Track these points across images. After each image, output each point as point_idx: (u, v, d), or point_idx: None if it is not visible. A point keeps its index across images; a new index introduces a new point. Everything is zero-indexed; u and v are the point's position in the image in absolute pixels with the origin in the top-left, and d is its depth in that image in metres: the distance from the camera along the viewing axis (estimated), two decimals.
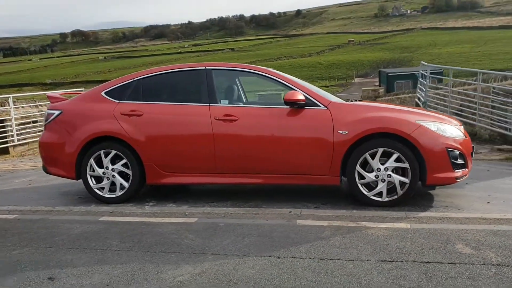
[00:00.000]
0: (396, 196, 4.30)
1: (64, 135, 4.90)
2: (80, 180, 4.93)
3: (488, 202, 4.38)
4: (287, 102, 4.39)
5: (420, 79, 13.27)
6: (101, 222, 4.27)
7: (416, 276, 2.90)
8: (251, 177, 4.60)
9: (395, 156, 4.23)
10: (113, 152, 4.76)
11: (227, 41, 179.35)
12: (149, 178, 4.76)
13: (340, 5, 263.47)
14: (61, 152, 4.91)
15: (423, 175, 4.23)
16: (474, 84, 9.99)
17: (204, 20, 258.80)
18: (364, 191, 4.34)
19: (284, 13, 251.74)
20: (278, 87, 4.82)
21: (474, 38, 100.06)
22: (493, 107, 9.58)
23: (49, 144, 5.01)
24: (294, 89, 4.52)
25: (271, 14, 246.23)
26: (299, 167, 4.47)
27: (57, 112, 4.99)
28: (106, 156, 4.78)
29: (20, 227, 4.23)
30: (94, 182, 4.86)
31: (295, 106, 4.43)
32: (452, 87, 11.09)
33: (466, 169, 4.38)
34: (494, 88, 9.70)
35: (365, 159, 4.30)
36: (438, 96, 11.68)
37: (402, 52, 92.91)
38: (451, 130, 4.36)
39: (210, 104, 4.64)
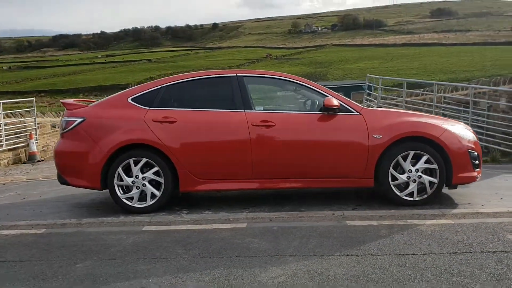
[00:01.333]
0: (425, 196, 4.63)
1: (88, 143, 4.67)
2: (80, 191, 4.70)
3: (502, 198, 4.86)
4: (327, 108, 4.58)
5: (367, 91, 14.12)
6: (147, 232, 4.14)
7: (494, 265, 3.18)
8: (289, 182, 4.70)
9: (425, 158, 4.57)
10: (144, 160, 4.63)
11: (143, 52, 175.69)
12: (182, 186, 4.68)
13: (256, 20, 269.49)
14: (85, 161, 4.67)
15: (449, 175, 4.60)
16: (427, 94, 10.90)
17: (118, 30, 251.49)
18: (397, 192, 4.62)
19: (201, 25, 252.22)
20: (288, 92, 5.01)
21: (382, 55, 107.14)
22: (444, 115, 10.47)
23: (70, 153, 4.75)
24: (327, 96, 4.71)
25: (188, 26, 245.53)
26: (336, 171, 4.66)
27: (79, 120, 4.74)
28: (135, 164, 4.63)
29: (59, 241, 3.98)
30: (122, 192, 4.68)
31: (331, 112, 4.63)
32: (398, 98, 11.98)
33: (480, 169, 4.83)
34: (445, 98, 10.63)
35: (397, 161, 4.59)
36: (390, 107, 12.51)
37: (317, 67, 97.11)
38: (468, 133, 4.80)
39: (246, 111, 4.69)
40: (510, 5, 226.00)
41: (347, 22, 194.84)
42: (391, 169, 4.59)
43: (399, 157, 4.58)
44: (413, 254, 3.43)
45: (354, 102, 4.89)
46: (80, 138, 4.72)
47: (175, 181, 4.68)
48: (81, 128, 4.72)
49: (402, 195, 4.62)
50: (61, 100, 5.24)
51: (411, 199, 4.63)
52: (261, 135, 4.61)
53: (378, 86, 12.73)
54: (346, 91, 25.19)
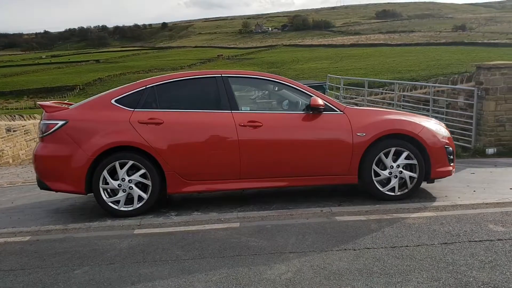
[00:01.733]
0: (406, 190, 4.83)
1: (70, 146, 4.54)
2: (55, 197, 4.58)
3: (474, 191, 5.13)
4: (313, 107, 4.68)
5: (327, 91, 14.45)
6: (140, 235, 4.08)
7: (484, 253, 3.38)
8: (276, 181, 4.76)
9: (405, 154, 4.76)
10: (130, 162, 4.55)
11: (90, 52, 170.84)
12: (170, 188, 4.64)
13: (206, 20, 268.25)
14: (67, 165, 4.54)
15: (428, 170, 4.82)
16: (387, 93, 11.31)
17: (63, 30, 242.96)
18: (379, 187, 4.79)
19: (150, 25, 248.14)
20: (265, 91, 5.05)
21: (331, 55, 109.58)
22: None
23: (51, 157, 4.59)
24: (311, 95, 4.82)
25: (136, 26, 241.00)
26: (321, 169, 4.77)
27: (61, 122, 4.60)
28: (121, 167, 4.55)
29: (49, 247, 3.85)
30: (107, 196, 4.58)
31: (316, 111, 4.73)
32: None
33: (454, 163, 5.09)
34: (404, 96, 11.06)
35: (379, 158, 4.76)
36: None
37: (270, 67, 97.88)
38: (442, 130, 5.04)
39: (232, 111, 4.71)
40: (449, 7, 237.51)
41: (297, 22, 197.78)
42: (373, 166, 4.75)
43: (381, 154, 4.75)
44: (407, 246, 3.58)
45: (337, 101, 5.02)
46: (62, 141, 4.57)
47: (162, 183, 4.63)
48: (63, 131, 4.58)
49: (385, 190, 4.80)
50: (38, 103, 5.05)
51: (393, 194, 4.81)
52: (249, 135, 4.65)
53: (340, 86, 13.07)
54: None
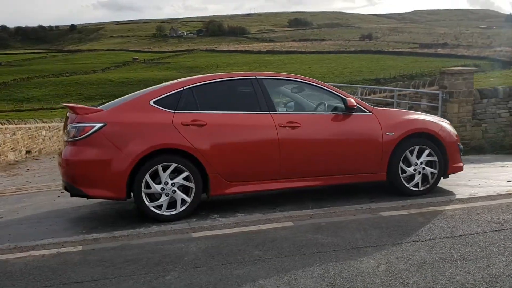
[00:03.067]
0: (428, 186, 5.18)
1: (110, 150, 4.33)
2: (70, 204, 4.59)
3: (479, 184, 5.62)
4: (350, 108, 4.87)
5: None
6: (201, 238, 4.00)
7: None
8: (312, 180, 4.89)
9: (427, 151, 5.11)
10: (173, 165, 4.43)
11: None
12: (213, 190, 4.58)
13: (117, 23, 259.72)
14: (107, 169, 4.32)
15: (445, 166, 5.21)
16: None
17: None
18: (405, 183, 5.09)
19: (57, 27, 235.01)
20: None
21: (249, 61, 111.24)
22: None
23: (88, 162, 4.34)
24: (342, 97, 5.01)
25: (41, 27, 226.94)
26: (354, 167, 4.98)
27: (98, 125, 4.36)
28: (164, 170, 4.42)
29: (114, 255, 3.66)
30: (148, 200, 4.42)
31: (350, 112, 4.93)
32: None
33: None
34: (363, 100, 11.67)
35: (405, 155, 5.06)
36: None
37: (189, 71, 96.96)
38: (452, 129, 5.48)
39: (271, 112, 4.76)
40: (356, 17, 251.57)
41: (212, 28, 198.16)
42: (400, 163, 5.05)
43: (407, 152, 5.06)
44: (465, 235, 3.88)
45: (365, 103, 5.26)
46: (101, 144, 4.34)
47: (205, 185, 4.57)
48: (102, 134, 4.35)
49: (410, 186, 5.11)
50: (65, 104, 4.72)
51: (417, 189, 5.13)
52: (288, 135, 4.73)
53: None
54: None
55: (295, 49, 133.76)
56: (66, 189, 4.57)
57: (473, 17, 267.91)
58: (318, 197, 5.21)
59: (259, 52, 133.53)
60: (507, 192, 5.13)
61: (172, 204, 4.50)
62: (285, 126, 4.73)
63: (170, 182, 4.44)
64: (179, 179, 4.46)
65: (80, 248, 3.86)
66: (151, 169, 4.38)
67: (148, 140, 4.38)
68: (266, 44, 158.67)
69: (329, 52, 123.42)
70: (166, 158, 4.43)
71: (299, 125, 4.78)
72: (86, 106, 4.61)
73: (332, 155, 4.89)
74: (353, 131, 4.95)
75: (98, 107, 4.68)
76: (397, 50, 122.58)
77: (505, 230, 3.95)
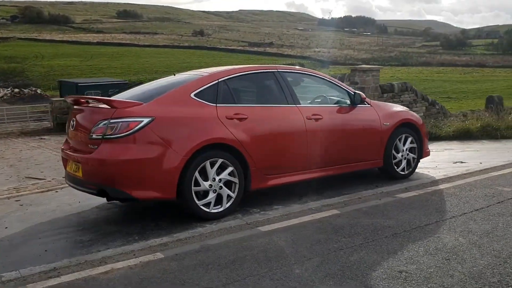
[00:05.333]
0: (411, 169, 5.87)
1: (159, 146, 3.98)
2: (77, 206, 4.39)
3: (436, 166, 6.55)
4: (363, 101, 5.26)
5: None
6: (273, 231, 3.98)
7: None
8: (330, 170, 5.14)
9: (410, 139, 5.79)
10: (220, 160, 4.27)
11: None
12: (254, 184, 4.53)
13: None
14: (157, 168, 3.97)
15: (421, 152, 5.98)
16: None
17: None
18: (396, 168, 5.70)
19: None
20: None
21: (79, 52, 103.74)
22: None
23: (136, 161, 3.91)
24: (349, 91, 5.38)
25: None
26: (361, 155, 5.39)
27: (146, 120, 3.95)
28: (212, 166, 4.23)
29: (204, 258, 3.45)
30: (197, 199, 4.19)
31: (355, 105, 5.32)
32: None
33: None
34: None
35: (395, 143, 5.66)
36: None
37: (8, 62, 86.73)
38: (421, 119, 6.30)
39: (297, 105, 4.89)
40: (185, 13, 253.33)
41: (30, 15, 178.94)
42: (392, 150, 5.63)
43: (397, 140, 5.66)
44: (483, 208, 4.57)
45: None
46: (149, 141, 3.95)
47: (247, 180, 4.50)
48: (150, 129, 3.96)
49: (399, 170, 5.73)
50: (98, 98, 4.09)
51: (403, 173, 5.78)
52: (313, 127, 4.92)
53: None
54: (104, 89, 24.14)
55: (128, 42, 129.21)
56: (99, 192, 4.03)
57: (291, 19, 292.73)
58: (326, 186, 5.47)
59: (88, 43, 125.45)
60: (467, 172, 6.10)
61: (218, 201, 4.33)
62: (311, 119, 4.91)
63: (217, 178, 4.27)
64: (224, 175, 4.32)
65: (161, 255, 3.50)
66: (200, 166, 4.16)
67: (198, 135, 4.14)
68: (94, 35, 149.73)
69: (164, 46, 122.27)
70: (214, 154, 4.24)
71: (321, 117, 5.00)
72: (121, 99, 4.12)
73: (345, 145, 5.23)
74: (360, 122, 5.36)
75: (124, 99, 4.22)
76: (229, 47, 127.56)
77: (503, 202, 4.77)
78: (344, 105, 5.32)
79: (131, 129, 3.92)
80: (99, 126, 4.00)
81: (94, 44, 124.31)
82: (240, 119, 4.44)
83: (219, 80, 4.54)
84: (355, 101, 5.30)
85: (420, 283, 2.99)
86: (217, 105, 4.39)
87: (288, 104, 4.86)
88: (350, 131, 5.27)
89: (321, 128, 5.00)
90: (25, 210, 5.04)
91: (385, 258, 3.40)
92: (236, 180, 4.39)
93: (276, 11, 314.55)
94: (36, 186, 6.36)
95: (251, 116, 4.51)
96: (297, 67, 5.57)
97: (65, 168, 4.59)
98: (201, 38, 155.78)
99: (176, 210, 4.56)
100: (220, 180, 4.28)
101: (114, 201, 5.08)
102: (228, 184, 4.38)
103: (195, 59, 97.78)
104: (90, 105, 4.42)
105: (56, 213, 4.82)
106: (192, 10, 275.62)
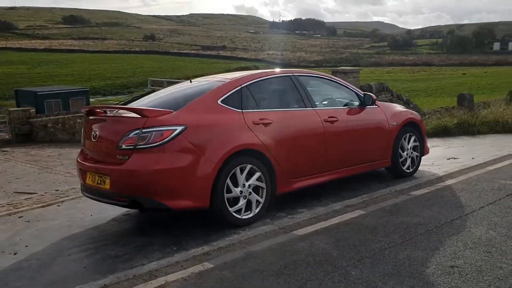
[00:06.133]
0: (415, 167, 6.04)
1: (192, 154, 3.91)
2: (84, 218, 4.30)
3: (433, 163, 6.77)
4: (373, 102, 5.37)
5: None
6: (309, 234, 4.00)
7: None
8: (344, 171, 5.20)
9: (413, 137, 5.97)
10: (248, 166, 4.25)
11: None
12: (279, 188, 4.53)
13: None
14: (192, 177, 3.90)
15: (422, 150, 6.17)
16: None
17: None
18: (402, 167, 5.85)
19: None
20: None
21: (25, 59, 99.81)
22: None
23: (171, 170, 3.82)
24: (357, 93, 5.48)
25: None
26: (372, 155, 5.49)
27: (179, 128, 3.86)
28: (241, 172, 4.20)
29: (270, 261, 3.42)
30: (229, 206, 4.15)
31: (364, 106, 5.43)
32: None
33: None
34: None
35: (401, 142, 5.81)
36: None
37: None
38: None
39: (314, 108, 4.93)
40: (135, 18, 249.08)
41: None
42: (399, 149, 5.78)
43: (402, 139, 5.82)
44: (495, 201, 4.77)
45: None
46: (183, 149, 3.87)
47: (273, 184, 4.49)
48: (184, 137, 3.88)
49: (405, 168, 5.89)
50: (127, 107, 3.93)
51: (408, 171, 5.94)
52: (330, 129, 4.97)
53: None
54: (65, 98, 23.26)
55: (77, 48, 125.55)
56: (131, 204, 3.91)
57: (242, 22, 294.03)
58: (340, 188, 5.53)
59: (34, 50, 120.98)
60: (465, 167, 6.34)
61: (247, 207, 4.30)
62: (327, 121, 4.96)
63: (246, 184, 4.24)
64: (253, 180, 4.29)
65: (209, 264, 3.44)
66: (231, 172, 4.12)
67: (229, 142, 4.10)
68: (40, 41, 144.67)
69: (115, 52, 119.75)
70: (243, 160, 4.21)
71: (337, 119, 5.06)
72: (151, 108, 4.02)
73: (359, 145, 5.31)
74: (371, 122, 5.47)
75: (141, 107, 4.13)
76: (182, 51, 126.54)
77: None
78: (354, 106, 5.41)
79: (165, 138, 3.83)
80: (130, 136, 3.88)
81: (40, 50, 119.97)
82: (265, 124, 4.43)
83: (242, 85, 4.51)
84: (366, 102, 5.40)
85: (475, 277, 3.09)
86: (243, 110, 4.37)
87: (306, 107, 4.89)
88: (363, 131, 5.36)
89: (337, 130, 5.06)
90: (36, 227, 4.80)
91: (430, 254, 3.49)
92: (263, 185, 4.38)
93: (227, 14, 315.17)
94: (32, 201, 6.07)
95: (275, 121, 4.51)
96: (309, 70, 5.62)
97: (84, 180, 4.41)
98: (153, 42, 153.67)
99: (195, 219, 4.50)
100: (249, 186, 4.26)
101: (129, 213, 4.98)
102: (256, 189, 4.35)
103: (148, 64, 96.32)
104: (111, 114, 4.29)
105: (73, 228, 4.62)
106: (141, 15, 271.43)
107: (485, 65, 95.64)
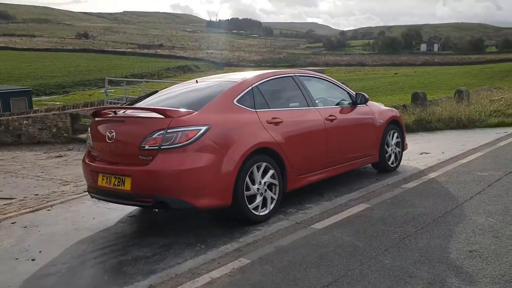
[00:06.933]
0: (397, 162, 6.41)
1: (216, 154, 3.96)
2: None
3: (409, 158, 7.19)
4: (366, 101, 5.65)
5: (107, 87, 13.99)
6: (327, 228, 4.17)
7: None
8: (341, 167, 5.43)
9: (396, 134, 6.34)
10: (264, 164, 4.36)
11: None
12: (290, 185, 4.68)
13: None
14: (216, 176, 3.96)
15: (403, 145, 6.56)
16: None
17: None
18: (388, 162, 6.20)
19: None
20: None
21: None
22: None
23: (198, 170, 3.85)
24: (348, 92, 5.74)
25: None
26: (364, 152, 5.77)
27: (204, 128, 3.90)
28: (258, 170, 4.32)
29: (302, 254, 3.56)
30: (248, 203, 4.25)
31: (356, 105, 5.70)
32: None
33: None
34: None
35: (386, 139, 6.15)
36: None
37: None
38: None
39: (316, 107, 5.13)
40: (65, 14, 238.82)
41: None
42: (385, 146, 6.12)
43: (388, 136, 6.16)
44: (483, 190, 5.19)
45: None
46: (207, 149, 3.91)
47: (284, 181, 4.63)
48: (208, 137, 3.92)
49: (390, 163, 6.24)
50: (152, 107, 3.87)
51: (393, 166, 6.30)
52: (330, 128, 5.18)
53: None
54: (5, 98, 21.89)
55: (3, 45, 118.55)
56: (156, 205, 3.90)
57: (178, 21, 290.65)
58: (333, 184, 5.77)
59: None
60: (440, 161, 6.81)
61: (262, 204, 4.41)
62: (328, 119, 5.17)
63: (262, 181, 4.35)
64: (267, 178, 4.41)
65: (246, 260, 3.51)
66: (250, 170, 4.22)
67: (248, 141, 4.19)
68: None
69: (46, 50, 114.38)
70: (259, 158, 4.32)
71: (335, 117, 5.29)
72: (172, 108, 4.02)
73: (354, 142, 5.57)
74: (363, 120, 5.75)
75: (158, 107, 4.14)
76: (118, 50, 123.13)
77: (493, 184, 5.48)
78: (347, 105, 5.67)
79: (190, 138, 3.85)
80: (153, 136, 3.86)
81: None
82: (276, 123, 4.56)
83: (253, 85, 4.61)
84: (359, 101, 5.68)
85: (495, 259, 3.40)
86: (257, 110, 4.47)
87: (309, 106, 5.08)
88: (357, 129, 5.63)
89: (336, 127, 5.28)
90: (38, 232, 4.63)
91: (446, 241, 3.77)
92: (276, 182, 4.51)
93: (163, 12, 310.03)
94: (16, 207, 5.81)
95: (285, 120, 4.65)
96: (308, 71, 5.79)
97: (95, 182, 4.31)
98: (86, 40, 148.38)
99: (199, 218, 4.57)
100: (264, 183, 4.37)
101: (133, 214, 4.94)
102: (269, 186, 4.47)
103: (83, 62, 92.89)
104: (126, 115, 4.24)
105: (82, 232, 4.50)
106: (72, 11, 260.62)
107: (414, 65, 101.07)
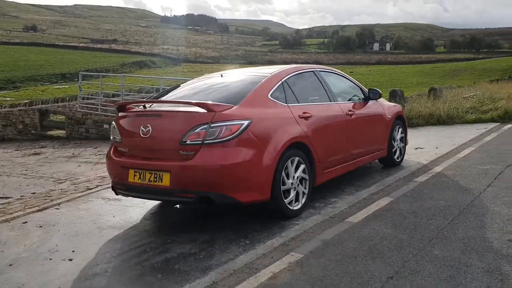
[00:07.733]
0: (402, 156, 6.57)
1: (257, 148, 3.91)
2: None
3: (407, 153, 7.37)
4: (380, 96, 5.74)
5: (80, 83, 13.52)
6: (361, 222, 4.21)
7: None
8: (358, 162, 5.50)
9: (401, 129, 6.49)
10: (297, 159, 4.36)
11: None
12: (318, 179, 4.69)
13: None
14: (257, 170, 3.91)
15: (406, 140, 6.72)
16: None
17: None
18: (394, 156, 6.34)
19: None
20: None
21: None
22: None
23: (241, 164, 3.79)
24: (361, 88, 5.82)
25: None
26: (376, 146, 5.87)
27: (246, 122, 3.84)
28: (291, 164, 4.31)
29: (352, 247, 3.57)
30: (284, 198, 4.23)
31: (368, 100, 5.79)
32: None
33: None
34: None
35: (393, 134, 6.29)
36: None
37: None
38: None
39: (337, 102, 5.16)
40: (11, 6, 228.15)
41: None
42: (392, 140, 6.25)
43: (394, 131, 6.30)
44: (492, 182, 5.42)
45: None
46: (249, 143, 3.86)
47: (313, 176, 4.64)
48: (249, 131, 3.86)
49: (395, 158, 6.38)
50: (194, 102, 3.74)
51: (398, 160, 6.45)
52: (350, 122, 5.24)
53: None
54: None
55: None
56: (198, 200, 3.80)
57: (132, 15, 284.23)
58: (348, 178, 5.83)
59: None
60: (439, 156, 7.03)
61: (295, 199, 4.41)
62: (348, 114, 5.22)
63: (295, 176, 4.34)
64: (299, 172, 4.40)
65: (298, 254, 3.49)
66: (285, 165, 4.20)
67: (284, 135, 4.17)
68: None
69: None
70: (293, 153, 4.31)
71: (353, 112, 5.35)
72: (214, 102, 3.93)
73: (369, 136, 5.65)
74: (376, 115, 5.85)
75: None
76: (70, 44, 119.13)
77: (498, 177, 5.71)
78: (360, 101, 5.74)
79: (234, 132, 3.78)
80: (196, 131, 3.77)
81: None
82: (306, 118, 4.55)
83: (282, 80, 4.58)
84: (372, 97, 5.77)
85: None
86: (288, 104, 4.45)
87: (331, 101, 5.10)
88: (371, 124, 5.72)
89: (354, 122, 5.34)
90: (58, 231, 4.42)
91: (483, 231, 3.89)
92: (307, 176, 4.50)
93: (115, 7, 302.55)
94: (19, 206, 5.52)
95: (314, 114, 4.65)
96: (321, 66, 5.81)
97: (125, 179, 4.15)
98: (35, 34, 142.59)
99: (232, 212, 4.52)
100: (297, 178, 4.36)
101: (153, 211, 4.81)
102: (301, 181, 4.47)
103: (33, 56, 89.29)
104: (167, 109, 4.12)
105: (107, 230, 4.32)
106: (19, 3, 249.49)
107: (368, 64, 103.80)
